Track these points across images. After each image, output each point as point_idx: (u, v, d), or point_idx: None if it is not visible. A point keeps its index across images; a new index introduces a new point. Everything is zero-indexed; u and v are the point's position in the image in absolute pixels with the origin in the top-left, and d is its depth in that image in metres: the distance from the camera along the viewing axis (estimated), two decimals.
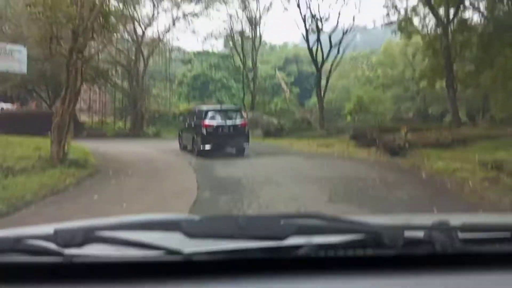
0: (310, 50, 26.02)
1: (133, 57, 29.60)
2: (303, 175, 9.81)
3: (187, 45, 74.09)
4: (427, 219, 1.05)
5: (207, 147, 13.48)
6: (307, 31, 25.90)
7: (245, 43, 32.28)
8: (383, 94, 35.41)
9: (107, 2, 11.98)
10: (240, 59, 32.57)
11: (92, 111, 34.11)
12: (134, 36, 28.43)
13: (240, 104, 43.31)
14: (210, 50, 50.69)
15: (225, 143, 13.98)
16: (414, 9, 23.41)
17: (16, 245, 0.86)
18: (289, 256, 0.92)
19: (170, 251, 0.88)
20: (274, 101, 44.60)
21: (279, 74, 47.69)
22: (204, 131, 13.54)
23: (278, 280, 0.89)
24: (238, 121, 14.23)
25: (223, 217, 1.03)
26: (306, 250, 0.91)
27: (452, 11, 21.11)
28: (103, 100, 33.69)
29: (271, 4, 31.25)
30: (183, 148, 16.13)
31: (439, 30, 23.73)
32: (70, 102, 10.32)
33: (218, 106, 18.38)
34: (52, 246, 0.85)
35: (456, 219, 1.01)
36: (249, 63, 32.86)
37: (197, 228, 0.89)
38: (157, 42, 29.75)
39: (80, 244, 0.85)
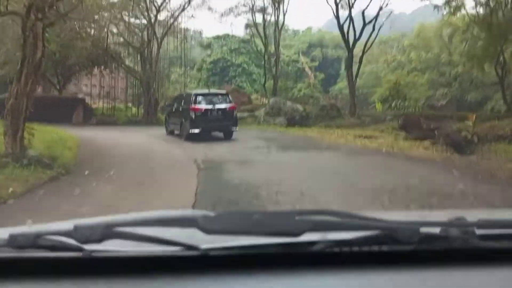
0: (341, 28, 22.45)
1: (146, 38, 26.59)
2: (351, 185, 6.55)
3: (206, 29, 70.82)
4: (443, 215, 1.10)
5: (196, 130, 13.33)
6: (337, 5, 22.32)
7: (267, 27, 28.91)
8: (418, 79, 31.50)
9: None
10: (262, 42, 29.15)
11: (105, 97, 31.53)
12: (146, 14, 25.35)
13: (261, 89, 40.53)
14: (230, 34, 47.69)
15: (213, 127, 13.88)
16: None
17: (37, 240, 0.85)
18: (304, 251, 0.90)
19: (187, 247, 0.87)
20: (297, 87, 41.22)
21: (303, 59, 44.09)
22: (192, 115, 13.41)
23: (293, 275, 0.87)
24: (226, 105, 14.07)
25: (239, 213, 0.93)
26: (321, 246, 0.89)
27: None
28: (116, 85, 30.96)
29: None
30: (170, 133, 15.86)
31: (491, 3, 20.04)
32: (27, 78, 7.31)
33: (206, 90, 18.05)
34: (71, 241, 0.84)
35: (472, 216, 0.99)
36: (271, 47, 29.59)
37: (213, 224, 0.87)
38: (171, 21, 26.58)
39: (99, 240, 0.84)
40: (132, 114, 28.67)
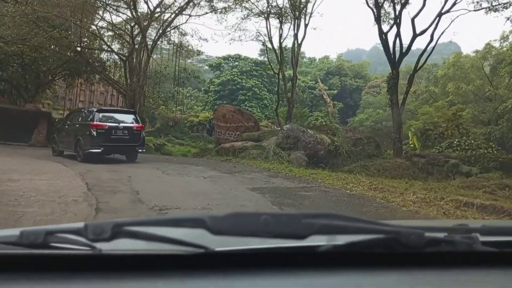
0: (384, 38, 15.88)
1: (131, 41, 20.37)
2: None
3: (216, 50, 65.11)
4: (447, 223, 1.22)
5: (96, 149, 11.35)
6: (379, 8, 15.83)
7: (283, 41, 22.56)
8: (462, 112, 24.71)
9: None
10: (277, 58, 22.69)
11: None
12: (134, 13, 19.17)
13: (273, 116, 34.04)
14: (242, 55, 41.70)
15: (117, 147, 11.94)
16: None
17: (47, 238, 0.83)
18: (310, 253, 0.89)
19: (196, 246, 0.85)
20: (313, 115, 34.66)
21: (321, 85, 37.67)
22: (94, 132, 11.42)
23: (298, 276, 0.86)
24: (133, 124, 12.25)
25: (247, 215, 0.90)
26: (326, 248, 0.88)
27: None
28: (94, 100, 24.63)
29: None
30: (59, 153, 13.29)
31: None
32: None
33: (111, 107, 16.00)
34: (82, 239, 0.82)
35: (476, 224, 0.98)
36: (287, 70, 23.23)
37: (221, 225, 0.84)
38: (165, 23, 20.33)
39: (109, 238, 0.81)
40: None
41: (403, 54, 16.00)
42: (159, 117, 30.15)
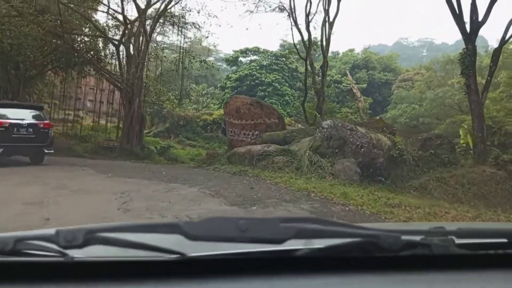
0: (452, 5, 11.17)
1: (131, 28, 16.23)
2: None
3: (233, 45, 60.30)
4: (424, 225, 1.11)
5: None
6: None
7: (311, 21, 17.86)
8: None
9: None
10: (304, 46, 18.05)
11: (87, 110, 21.30)
12: None
13: (296, 114, 29.56)
14: (261, 48, 37.25)
15: (20, 147, 10.30)
16: None
17: (18, 245, 0.79)
18: (289, 257, 0.87)
19: (171, 252, 0.81)
20: (341, 111, 29.98)
21: (350, 78, 32.90)
22: None
23: (276, 281, 0.84)
24: (39, 121, 10.65)
25: (223, 219, 0.87)
26: (304, 252, 0.87)
27: None
28: (84, 95, 20.69)
29: None
30: None
31: None
32: None
33: (13, 102, 12.74)
34: (53, 246, 0.79)
35: (451, 226, 0.98)
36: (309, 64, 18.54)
37: (197, 230, 0.81)
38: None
39: (81, 245, 0.78)
40: (109, 138, 18.19)
41: (479, 23, 11.29)
42: (168, 116, 26.20)
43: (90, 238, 0.77)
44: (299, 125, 19.87)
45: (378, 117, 21.35)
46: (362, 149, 8.60)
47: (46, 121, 10.96)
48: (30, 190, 6.04)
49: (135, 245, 0.79)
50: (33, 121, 10.55)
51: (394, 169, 8.86)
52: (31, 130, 10.40)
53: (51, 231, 0.79)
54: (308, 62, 17.46)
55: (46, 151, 10.64)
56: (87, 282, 0.78)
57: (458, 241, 0.90)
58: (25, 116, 10.56)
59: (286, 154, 9.38)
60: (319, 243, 0.86)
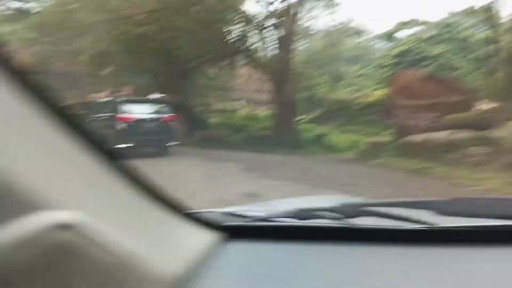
0: None
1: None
2: None
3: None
4: None
5: (123, 146, 9.46)
6: None
7: None
8: None
9: None
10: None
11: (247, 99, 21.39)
12: None
13: (475, 89, 24.43)
14: (419, 19, 32.21)
15: (146, 141, 10.49)
16: None
17: (308, 213, 0.95)
18: None
19: (426, 224, 0.89)
20: None
21: None
22: (119, 127, 10.14)
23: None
24: (164, 115, 11.01)
25: (470, 199, 0.99)
26: None
27: None
28: (253, 85, 20.50)
29: None
30: None
31: None
32: None
33: (139, 97, 12.94)
34: (337, 215, 0.93)
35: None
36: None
37: (445, 207, 0.91)
38: None
39: (355, 216, 0.93)
40: (264, 127, 17.55)
41: None
42: (321, 101, 24.65)
43: (361, 210, 0.95)
44: (487, 104, 15.74)
45: None
46: None
47: (169, 115, 11.34)
48: None
49: (397, 217, 0.90)
50: (156, 115, 11.02)
51: None
52: (154, 124, 10.81)
53: (333, 204, 0.97)
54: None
55: (169, 144, 10.92)
56: (363, 244, 0.88)
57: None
58: (149, 110, 11.05)
59: (486, 143, 6.59)
60: None
